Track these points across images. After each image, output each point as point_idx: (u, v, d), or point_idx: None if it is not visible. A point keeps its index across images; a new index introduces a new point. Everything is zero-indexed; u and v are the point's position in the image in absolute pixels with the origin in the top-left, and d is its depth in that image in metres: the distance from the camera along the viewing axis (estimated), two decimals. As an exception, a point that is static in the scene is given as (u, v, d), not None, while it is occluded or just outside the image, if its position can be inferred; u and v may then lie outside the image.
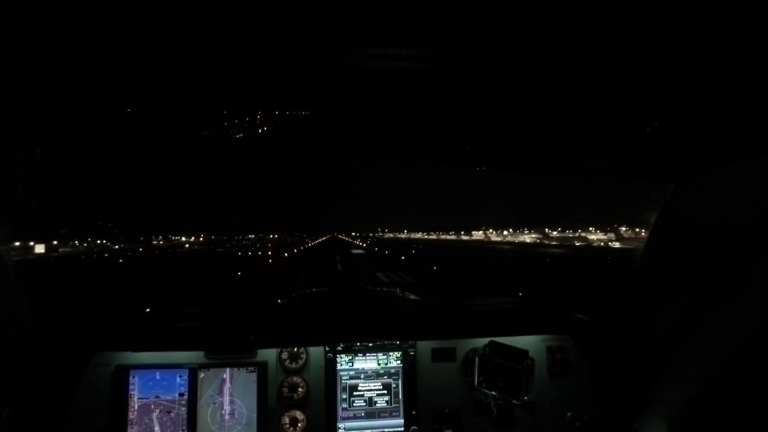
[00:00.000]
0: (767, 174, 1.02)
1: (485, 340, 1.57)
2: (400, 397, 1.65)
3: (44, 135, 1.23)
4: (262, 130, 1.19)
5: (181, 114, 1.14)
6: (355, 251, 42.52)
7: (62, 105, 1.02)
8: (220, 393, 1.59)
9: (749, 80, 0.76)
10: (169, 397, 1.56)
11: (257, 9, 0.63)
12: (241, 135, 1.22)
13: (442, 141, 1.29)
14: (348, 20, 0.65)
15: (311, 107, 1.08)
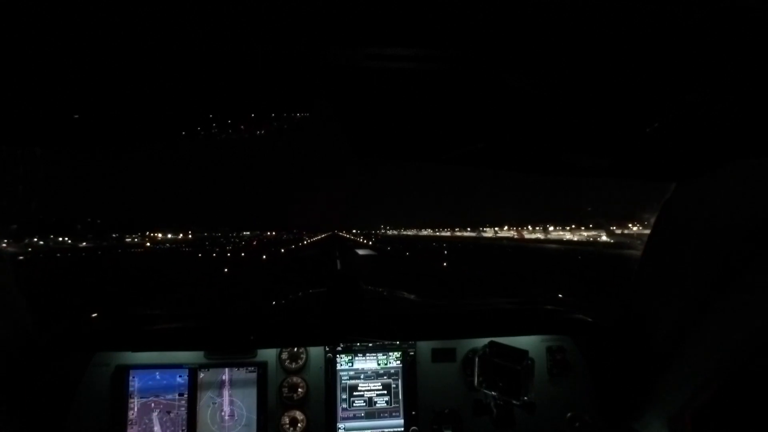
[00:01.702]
0: (767, 174, 1.02)
1: (485, 341, 1.56)
2: (400, 397, 1.65)
3: (44, 134, 1.23)
4: (263, 130, 1.19)
5: (180, 114, 1.14)
6: (361, 252, 34.00)
7: (61, 105, 1.02)
8: (220, 393, 1.59)
9: (749, 80, 0.76)
10: (168, 397, 1.56)
11: (257, 9, 0.63)
12: (243, 134, 1.22)
13: (442, 141, 1.29)
14: (348, 20, 0.65)
15: (311, 107, 1.08)
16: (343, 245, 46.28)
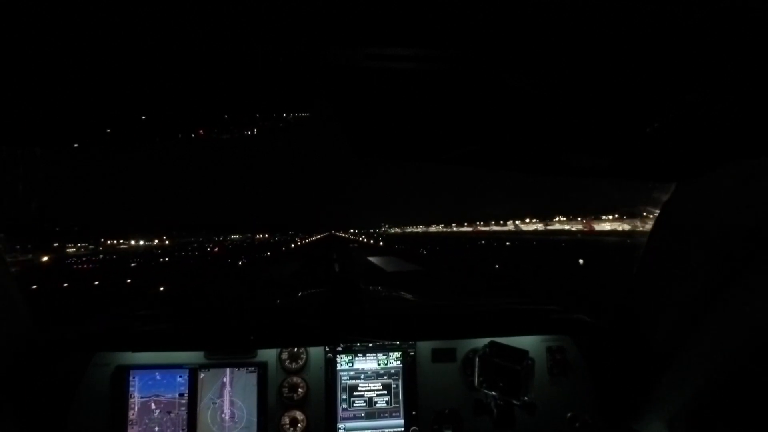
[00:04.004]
0: (767, 174, 1.02)
1: (485, 341, 1.56)
2: (400, 397, 1.65)
3: (43, 135, 1.23)
4: (262, 129, 1.20)
5: (180, 114, 1.14)
6: (376, 260, 22.21)
7: (61, 104, 1.02)
8: (220, 393, 1.58)
9: (749, 80, 0.76)
10: (169, 398, 1.56)
11: (257, 9, 0.63)
12: (243, 134, 1.23)
13: (442, 141, 1.29)
14: (348, 20, 0.65)
15: (311, 107, 1.08)
16: (344, 251, 32.97)
